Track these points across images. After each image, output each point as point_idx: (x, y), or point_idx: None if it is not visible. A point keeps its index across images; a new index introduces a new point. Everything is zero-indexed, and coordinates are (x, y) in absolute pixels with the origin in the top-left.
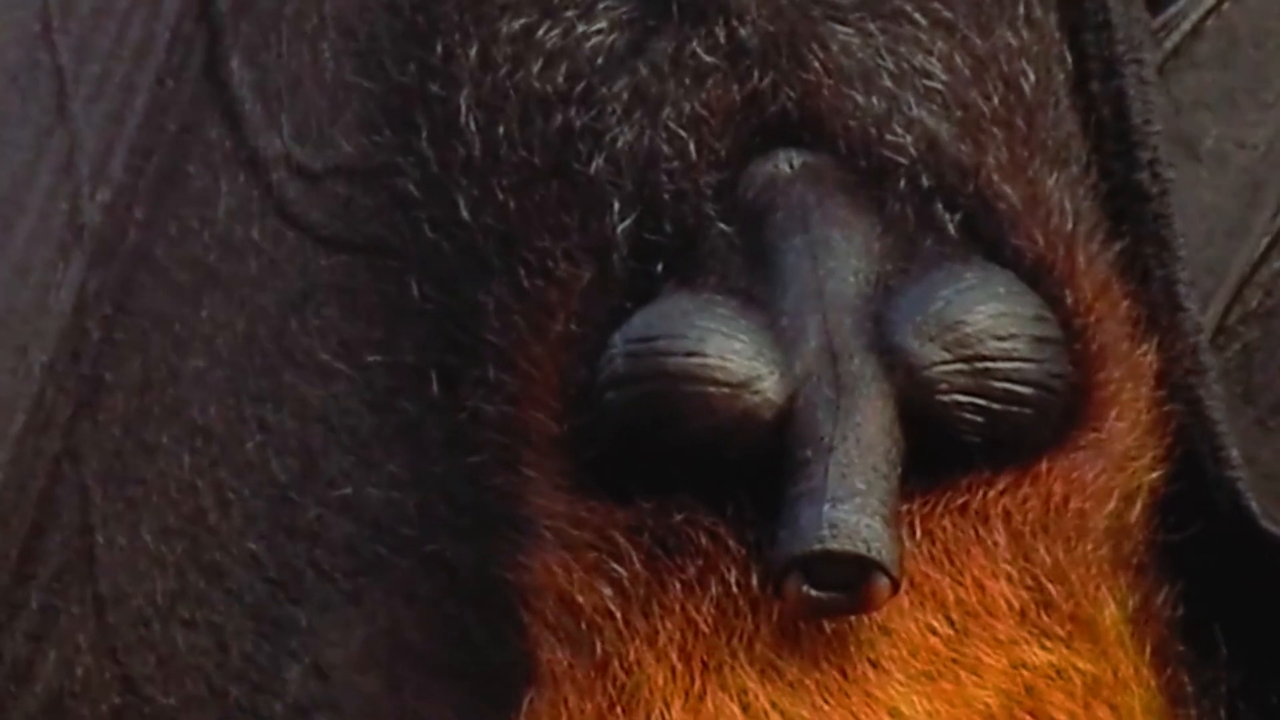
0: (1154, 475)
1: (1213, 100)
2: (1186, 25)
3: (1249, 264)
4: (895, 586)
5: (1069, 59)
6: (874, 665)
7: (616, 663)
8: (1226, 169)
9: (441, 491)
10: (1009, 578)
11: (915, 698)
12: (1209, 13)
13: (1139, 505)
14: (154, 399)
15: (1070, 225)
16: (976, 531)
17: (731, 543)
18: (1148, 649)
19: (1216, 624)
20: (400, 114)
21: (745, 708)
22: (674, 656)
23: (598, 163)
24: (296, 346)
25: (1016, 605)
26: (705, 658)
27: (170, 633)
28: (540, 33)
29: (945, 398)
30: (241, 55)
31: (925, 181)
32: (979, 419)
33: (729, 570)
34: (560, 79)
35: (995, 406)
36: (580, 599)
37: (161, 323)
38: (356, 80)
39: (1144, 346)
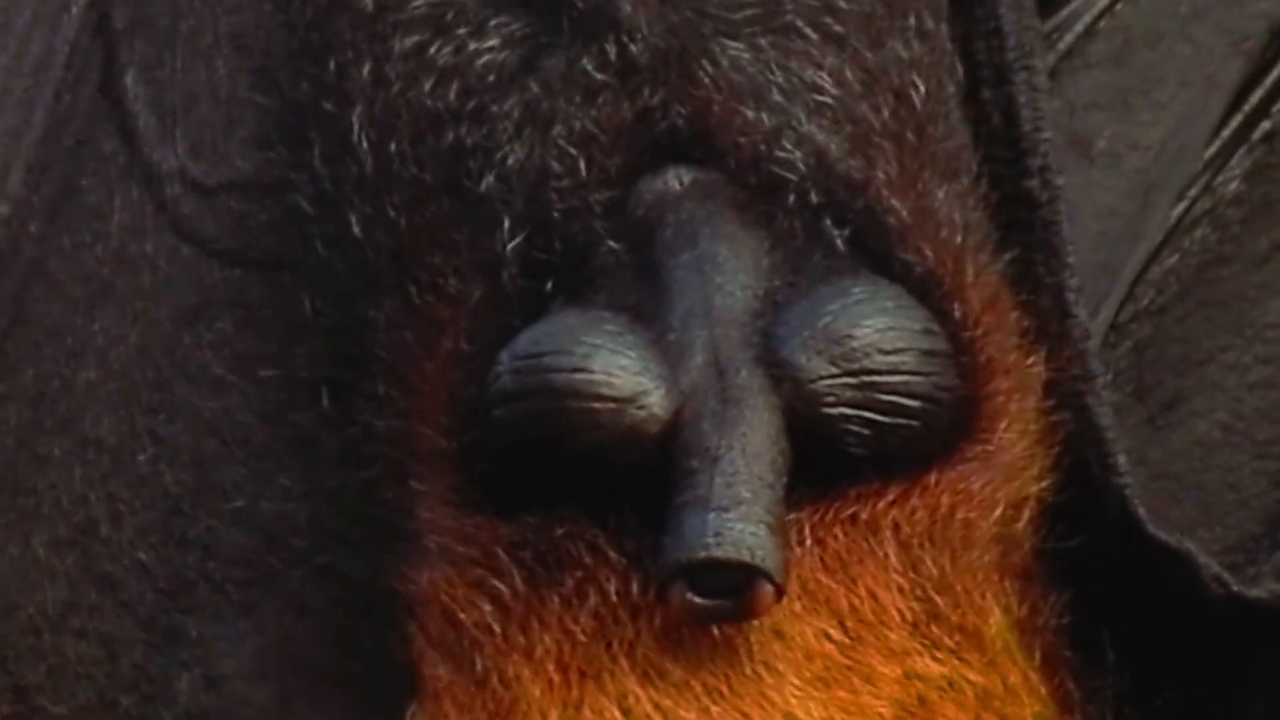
0: (1042, 485)
1: (1106, 101)
2: (1080, 26)
3: (1142, 264)
4: (780, 594)
5: (960, 69)
6: (768, 668)
7: (495, 678)
8: (1120, 170)
9: (333, 504)
10: (900, 589)
11: (811, 704)
12: (1102, 13)
13: (1026, 514)
14: (46, 411)
15: (960, 238)
16: (867, 542)
17: (611, 553)
18: (1036, 657)
19: (1104, 630)
20: (294, 131)
21: (627, 712)
22: (550, 668)
23: (488, 180)
24: (190, 360)
25: (909, 616)
26: (583, 667)
27: (61, 643)
28: (433, 50)
29: (832, 411)
30: (137, 71)
31: (814, 197)
32: (866, 432)
33: (608, 580)
34: (452, 97)
35: (882, 419)
36: (462, 615)
37: (55, 335)
38: (251, 96)
39: (1033, 358)
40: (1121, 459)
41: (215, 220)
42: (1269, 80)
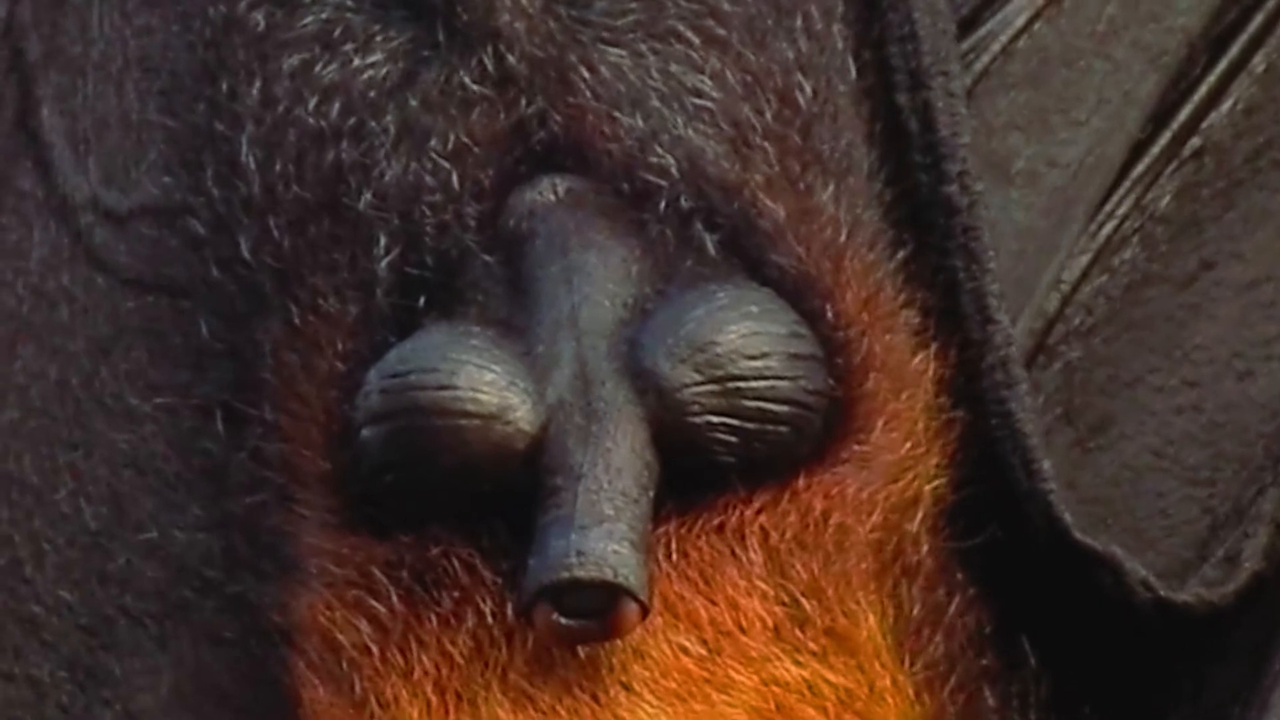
0: (937, 483)
1: (1024, 121)
2: (996, 46)
3: (1069, 282)
4: (645, 611)
5: (853, 69)
6: (625, 688)
7: (374, 700)
8: (1038, 188)
9: (243, 532)
10: (763, 595)
11: (664, 718)
12: (1019, 33)
13: (920, 514)
14: None
15: (843, 237)
16: (733, 550)
17: (487, 574)
18: (920, 661)
19: (1024, 635)
20: (193, 153)
21: None
22: (429, 690)
23: (366, 197)
24: (106, 391)
25: (770, 622)
26: (460, 689)
27: None
28: (319, 68)
29: (697, 419)
30: (52, 103)
31: (685, 202)
32: (733, 439)
33: (484, 601)
34: (334, 114)
35: (749, 426)
36: (340, 637)
37: None
38: (160, 119)
39: (921, 355)
40: (1046, 464)
41: (127, 248)
42: (1196, 98)
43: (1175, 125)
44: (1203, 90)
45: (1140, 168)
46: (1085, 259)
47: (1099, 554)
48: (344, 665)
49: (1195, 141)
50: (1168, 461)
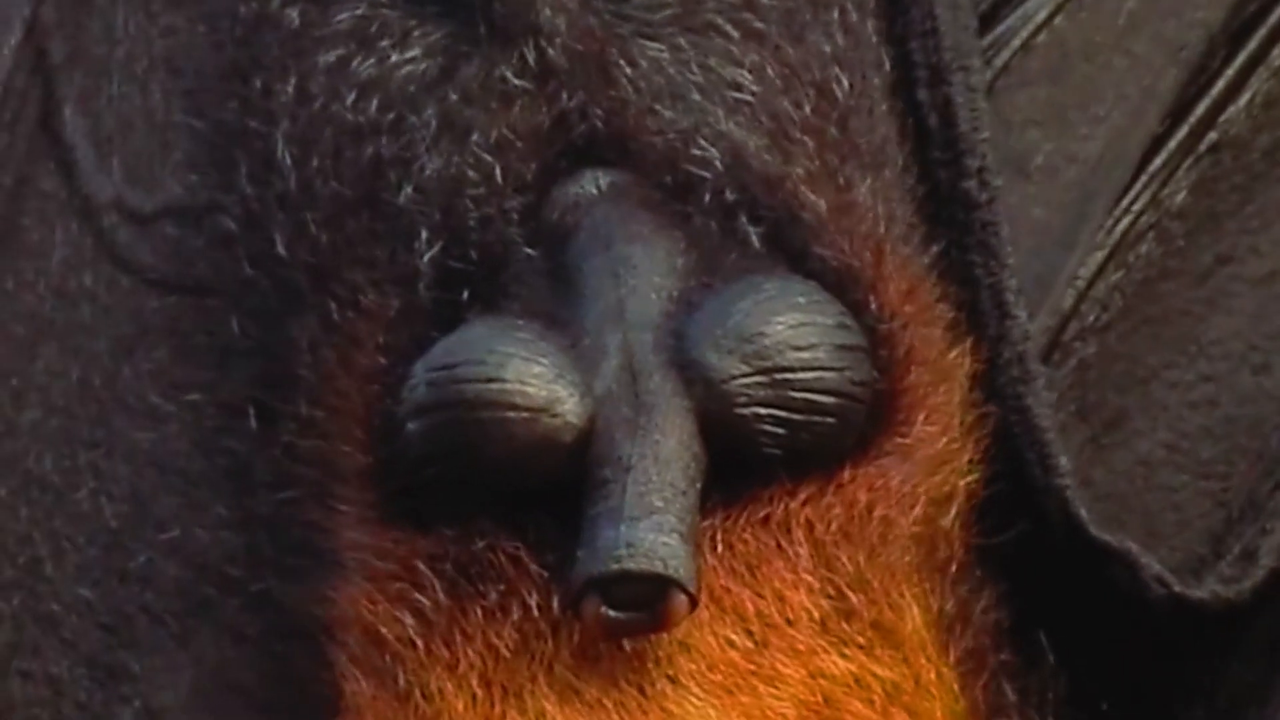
0: (970, 479)
1: (1044, 117)
2: (1016, 42)
3: (1085, 278)
4: (693, 603)
5: (887, 63)
6: (672, 681)
7: (418, 692)
8: (1056, 183)
9: (267, 530)
10: (809, 588)
11: (712, 711)
12: (1039, 28)
13: (954, 509)
14: None
15: (881, 230)
16: (778, 542)
17: (533, 566)
18: (954, 654)
19: (1041, 631)
20: (223, 152)
21: None
22: (474, 683)
23: (406, 192)
24: (128, 391)
25: (817, 615)
26: (505, 683)
27: (8, 686)
28: (355, 64)
29: (745, 410)
30: (75, 104)
31: (729, 195)
32: (780, 430)
33: (530, 594)
34: (373, 109)
35: (796, 417)
36: (384, 630)
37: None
38: (184, 120)
39: (957, 349)
40: (1063, 460)
41: (151, 248)
42: (1214, 92)
43: (1192, 120)
44: (1220, 84)
45: (1157, 162)
46: (1101, 255)
47: (1114, 549)
48: (387, 658)
49: (1212, 136)
50: (1182, 456)
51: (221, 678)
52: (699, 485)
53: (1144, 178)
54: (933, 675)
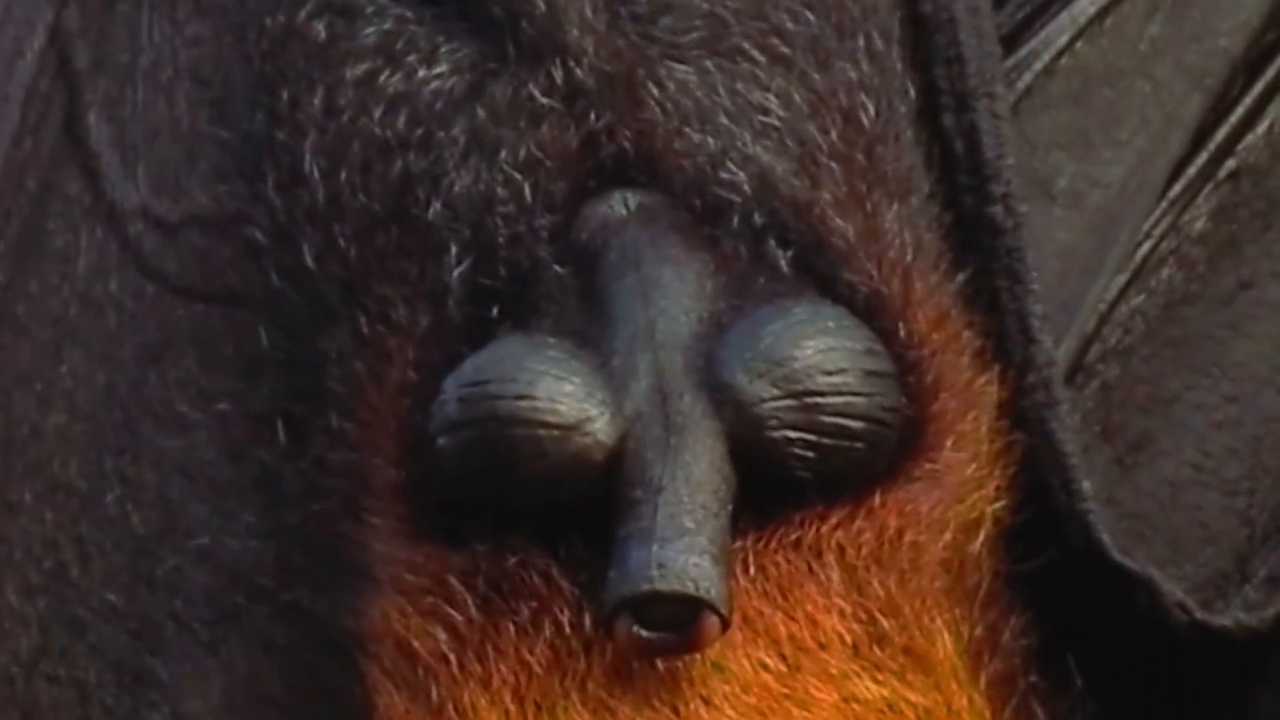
0: (998, 505)
1: (1067, 140)
2: (1039, 65)
3: (1107, 301)
4: (725, 625)
5: (912, 91)
6: (706, 703)
7: (451, 707)
8: (1081, 208)
9: (298, 540)
10: (841, 612)
11: None
12: (1061, 52)
13: (982, 535)
14: (17, 457)
15: (909, 256)
16: (810, 566)
17: (565, 584)
18: (983, 680)
19: (1070, 655)
20: (250, 163)
21: None
22: (507, 699)
23: (435, 208)
24: (155, 398)
25: (849, 639)
26: (539, 699)
27: (34, 689)
28: (383, 78)
29: (775, 434)
30: (99, 110)
31: (758, 219)
32: (810, 454)
33: (562, 611)
34: (401, 124)
35: (826, 441)
36: (416, 644)
37: (24, 381)
38: (211, 130)
39: (985, 376)
40: (1085, 484)
41: (177, 256)
42: (1234, 118)
43: (1212, 146)
44: (1239, 111)
45: (1177, 189)
46: (1122, 279)
47: (1136, 575)
48: (420, 672)
49: (1231, 163)
50: (1207, 475)
51: (251, 687)
52: (730, 507)
53: (1164, 203)
54: (964, 702)
